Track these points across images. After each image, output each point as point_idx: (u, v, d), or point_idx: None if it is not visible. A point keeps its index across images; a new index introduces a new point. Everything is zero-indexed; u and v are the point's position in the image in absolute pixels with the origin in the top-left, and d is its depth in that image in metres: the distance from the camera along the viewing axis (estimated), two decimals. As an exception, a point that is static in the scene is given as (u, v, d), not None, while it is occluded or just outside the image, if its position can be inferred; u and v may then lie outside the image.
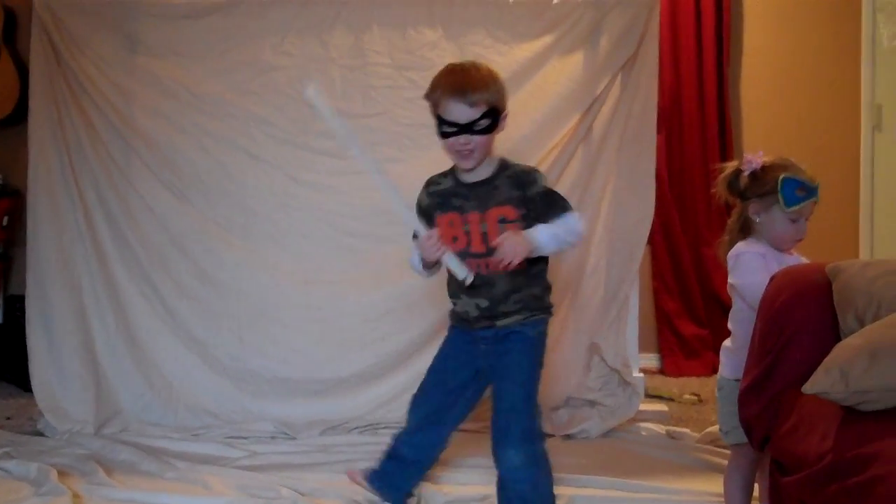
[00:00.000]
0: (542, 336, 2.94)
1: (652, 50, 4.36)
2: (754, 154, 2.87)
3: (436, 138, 2.88)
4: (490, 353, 2.92)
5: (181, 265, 4.25)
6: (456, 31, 4.30)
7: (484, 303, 2.89)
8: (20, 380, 4.60)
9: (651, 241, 5.04)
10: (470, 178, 2.89)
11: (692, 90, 5.50)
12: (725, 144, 5.49)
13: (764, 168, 2.84)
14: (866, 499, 1.91)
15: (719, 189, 2.94)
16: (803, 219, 2.82)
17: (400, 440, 3.09)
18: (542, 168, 4.22)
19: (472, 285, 2.84)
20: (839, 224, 5.17)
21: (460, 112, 2.77)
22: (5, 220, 4.99)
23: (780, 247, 2.84)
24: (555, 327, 4.32)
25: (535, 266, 2.88)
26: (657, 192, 4.41)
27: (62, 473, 3.39)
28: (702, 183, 5.33)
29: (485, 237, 2.83)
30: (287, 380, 4.20)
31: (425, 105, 2.88)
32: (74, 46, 4.21)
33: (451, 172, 2.96)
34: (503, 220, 2.81)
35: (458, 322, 3.02)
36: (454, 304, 3.00)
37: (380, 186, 2.89)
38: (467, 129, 2.77)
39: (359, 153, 2.91)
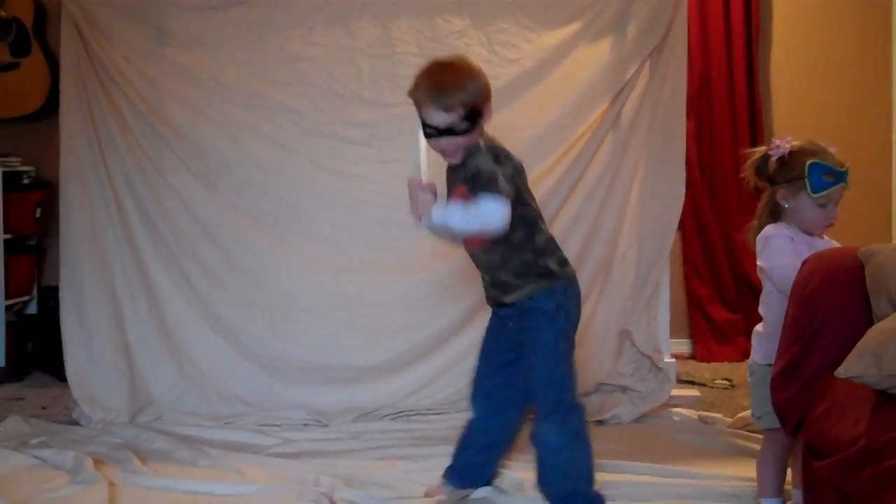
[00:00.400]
0: (563, 307, 2.92)
1: (681, 36, 4.34)
2: (783, 139, 2.86)
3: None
4: (516, 331, 2.96)
5: (212, 254, 4.27)
6: (483, 19, 4.30)
7: (486, 276, 2.98)
8: (55, 369, 4.64)
9: (682, 226, 5.03)
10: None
11: (721, 76, 5.48)
12: (755, 130, 5.46)
13: (792, 153, 2.82)
14: (900, 482, 1.91)
15: (748, 174, 2.94)
16: (832, 204, 2.80)
17: (469, 430, 3.12)
18: (572, 155, 4.25)
19: (471, 259, 2.98)
20: (871, 208, 5.13)
21: (438, 118, 2.78)
22: (38, 212, 5.03)
23: (811, 231, 2.83)
24: (585, 313, 4.32)
25: (512, 235, 2.84)
26: (687, 178, 4.40)
27: (97, 462, 3.41)
28: (732, 168, 5.30)
29: None
30: (319, 367, 4.22)
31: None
32: (103, 38, 4.23)
33: None
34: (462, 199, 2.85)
35: (489, 303, 3.07)
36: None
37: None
38: (446, 132, 2.78)
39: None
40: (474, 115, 2.79)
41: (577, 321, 3.00)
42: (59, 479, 3.27)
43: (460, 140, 2.79)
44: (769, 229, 2.85)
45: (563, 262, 2.97)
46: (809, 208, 2.80)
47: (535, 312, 2.90)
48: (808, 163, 2.76)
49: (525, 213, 2.87)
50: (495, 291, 2.97)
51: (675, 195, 4.34)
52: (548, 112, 4.28)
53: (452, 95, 2.76)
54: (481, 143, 2.83)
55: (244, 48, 4.30)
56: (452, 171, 2.92)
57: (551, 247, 2.95)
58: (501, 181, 2.73)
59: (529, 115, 4.27)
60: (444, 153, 2.85)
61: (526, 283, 2.90)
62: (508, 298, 2.94)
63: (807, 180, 2.76)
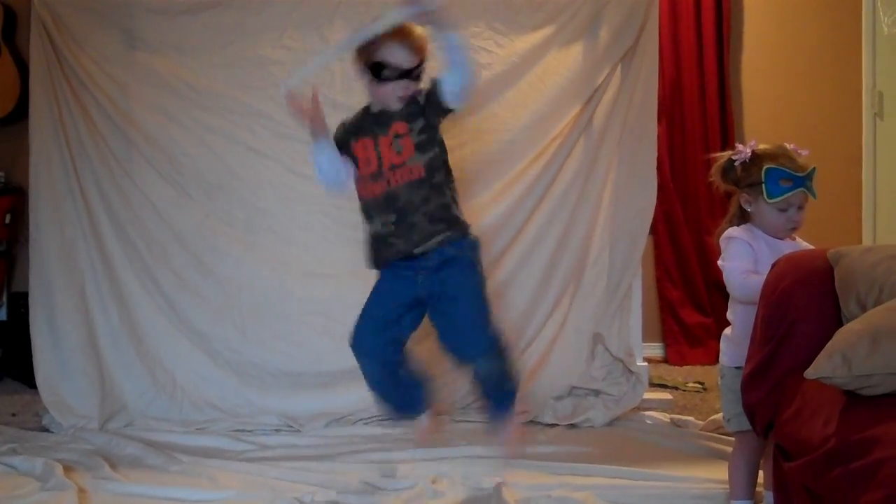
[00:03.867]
0: (479, 263, 3.13)
1: (652, 40, 4.37)
2: (746, 144, 2.89)
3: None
4: (432, 282, 3.06)
5: (183, 259, 4.25)
6: (455, 23, 4.28)
7: (391, 216, 3.04)
8: (25, 376, 4.60)
9: (653, 230, 5.05)
10: (375, 108, 3.09)
11: (693, 80, 5.50)
12: (727, 133, 5.48)
13: (753, 157, 2.85)
14: (869, 482, 1.91)
15: (714, 178, 2.97)
16: (794, 208, 2.82)
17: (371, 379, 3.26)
18: (544, 159, 4.27)
19: (380, 204, 3.06)
20: (842, 211, 5.17)
21: (404, 56, 2.94)
22: (8, 218, 4.99)
23: (774, 235, 2.85)
24: (557, 317, 4.34)
25: (436, 175, 3.03)
26: (659, 182, 4.43)
27: (68, 468, 3.40)
28: (703, 172, 5.28)
29: (380, 157, 3.05)
30: (291, 373, 4.21)
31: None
32: (74, 43, 4.21)
33: (363, 109, 3.15)
34: (396, 136, 3.00)
35: (383, 262, 3.15)
36: (368, 226, 3.14)
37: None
38: (407, 74, 2.95)
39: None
40: (422, 67, 3.00)
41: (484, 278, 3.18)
42: (28, 486, 3.25)
43: (413, 86, 2.98)
44: (730, 231, 2.89)
45: (462, 214, 3.13)
46: (769, 213, 2.82)
47: (456, 262, 3.05)
48: (765, 168, 2.78)
49: (446, 159, 3.08)
50: (400, 240, 3.05)
51: (647, 199, 4.36)
52: (520, 116, 4.28)
53: (420, 38, 2.94)
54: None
55: (216, 52, 4.29)
56: (383, 114, 3.06)
57: (458, 197, 3.11)
58: None
59: (501, 120, 4.28)
60: (394, 98, 2.99)
61: (437, 230, 3.02)
62: (418, 248, 3.02)
63: (763, 186, 2.78)
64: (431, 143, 3.04)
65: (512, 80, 4.30)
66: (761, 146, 2.87)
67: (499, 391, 3.18)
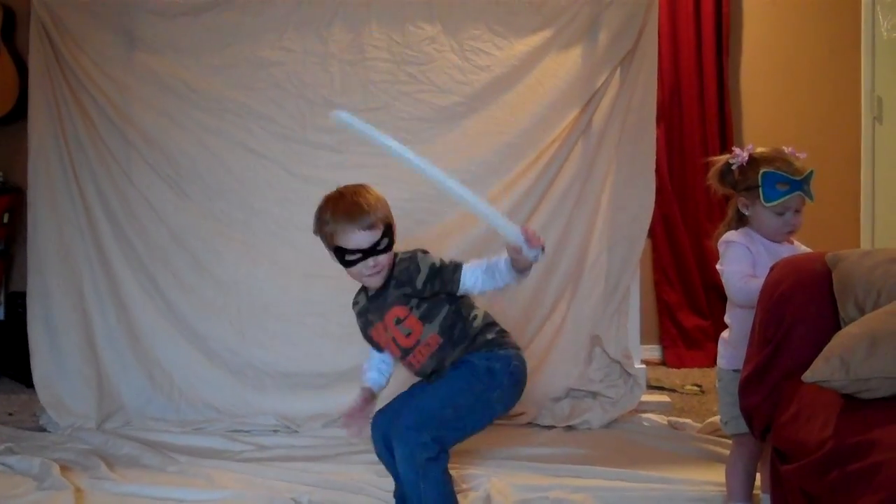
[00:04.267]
0: (493, 372, 2.83)
1: (651, 43, 4.37)
2: (744, 147, 2.89)
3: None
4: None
5: (181, 260, 4.25)
6: (454, 25, 4.30)
7: (431, 373, 2.91)
8: (22, 376, 4.60)
9: (652, 233, 5.06)
10: (371, 290, 2.90)
11: (692, 83, 5.51)
12: (725, 137, 5.49)
13: (750, 161, 2.85)
14: (867, 485, 1.91)
15: (712, 182, 2.97)
16: (791, 211, 2.81)
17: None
18: (542, 161, 4.26)
19: (418, 373, 2.93)
20: (840, 214, 5.17)
21: (361, 238, 2.75)
22: (6, 217, 4.99)
23: (771, 238, 2.85)
24: (555, 319, 4.34)
25: (456, 327, 2.84)
26: (657, 185, 4.43)
27: (65, 468, 3.40)
28: (702, 175, 5.21)
29: (395, 341, 2.87)
30: (288, 373, 4.21)
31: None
32: (73, 44, 4.21)
33: (363, 289, 2.97)
34: (398, 321, 2.83)
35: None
36: None
37: (464, 199, 2.63)
38: (371, 252, 2.76)
39: (424, 165, 2.64)
40: (389, 232, 2.80)
41: (504, 398, 2.88)
42: (25, 486, 3.25)
43: (382, 259, 2.78)
44: (729, 235, 2.88)
45: (502, 334, 2.92)
46: (766, 216, 2.82)
47: (464, 363, 2.84)
48: (762, 172, 2.78)
49: (457, 298, 2.85)
50: (436, 371, 2.90)
51: (646, 202, 4.36)
52: (519, 119, 4.29)
53: (371, 213, 2.75)
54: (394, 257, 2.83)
55: (215, 53, 4.29)
56: (376, 298, 2.88)
57: (485, 323, 2.91)
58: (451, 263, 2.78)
59: (500, 122, 4.28)
60: (367, 277, 2.82)
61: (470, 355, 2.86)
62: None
63: (760, 190, 2.78)
64: (437, 304, 2.83)
65: (511, 82, 4.30)
66: (759, 149, 2.87)
67: None
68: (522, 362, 2.91)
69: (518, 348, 2.93)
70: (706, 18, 5.45)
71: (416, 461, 2.71)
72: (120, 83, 4.25)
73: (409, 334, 2.84)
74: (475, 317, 2.89)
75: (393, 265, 2.83)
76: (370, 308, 2.92)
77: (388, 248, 2.80)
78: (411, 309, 2.81)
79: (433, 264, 2.78)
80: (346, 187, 2.86)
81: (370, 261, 2.77)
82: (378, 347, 2.99)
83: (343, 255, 2.79)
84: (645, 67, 4.34)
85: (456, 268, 2.77)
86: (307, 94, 4.27)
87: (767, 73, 5.54)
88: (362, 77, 4.27)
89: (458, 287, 2.76)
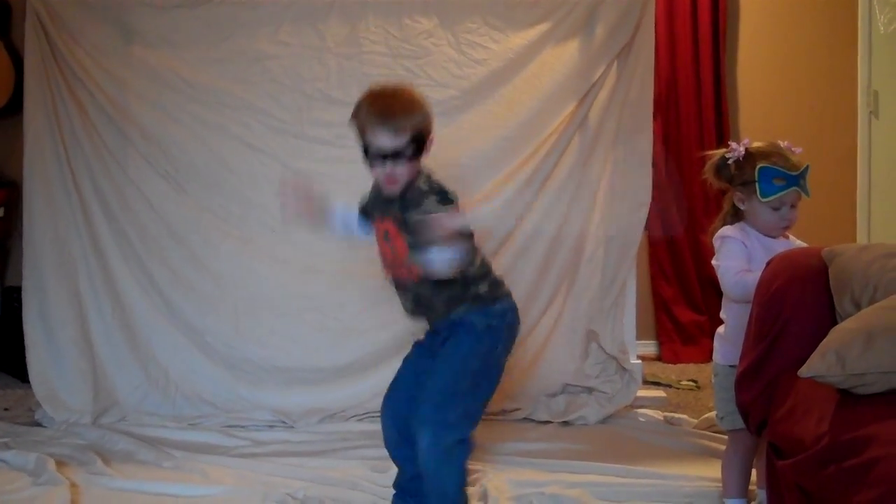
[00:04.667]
0: (493, 328, 2.84)
1: (648, 37, 4.36)
2: (740, 142, 2.88)
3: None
4: (443, 341, 2.87)
5: (177, 254, 4.24)
6: (451, 19, 4.29)
7: (409, 299, 2.89)
8: (18, 371, 4.59)
9: (648, 228, 5.04)
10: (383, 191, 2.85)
11: (689, 77, 5.49)
12: (722, 131, 5.48)
13: (746, 156, 2.84)
14: (863, 481, 1.91)
15: (707, 176, 2.96)
16: (787, 206, 2.81)
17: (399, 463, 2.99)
18: (539, 155, 4.25)
19: (395, 284, 2.90)
20: (836, 209, 5.18)
21: (385, 140, 2.67)
22: (1, 212, 4.98)
23: (767, 233, 2.85)
24: (551, 314, 4.34)
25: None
26: (654, 180, 4.41)
27: (60, 463, 3.40)
28: (699, 170, 5.27)
29: (382, 253, 2.88)
30: (284, 368, 4.20)
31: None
32: (69, 37, 4.20)
33: (374, 186, 2.93)
34: (387, 236, 2.81)
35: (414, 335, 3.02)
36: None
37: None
38: (393, 156, 2.69)
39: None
40: (420, 141, 2.72)
41: (506, 349, 2.90)
42: (20, 481, 3.25)
43: (403, 168, 2.71)
44: (724, 230, 2.88)
45: (496, 284, 2.89)
46: (762, 211, 2.82)
47: (463, 325, 2.81)
48: (758, 167, 2.78)
49: None
50: (421, 311, 2.90)
51: (642, 196, 4.35)
52: (515, 112, 4.28)
53: (402, 117, 2.69)
54: (422, 180, 2.76)
55: (211, 47, 4.28)
56: (385, 203, 2.83)
57: (482, 272, 2.86)
58: (460, 241, 2.63)
59: (497, 116, 4.27)
60: (387, 181, 2.75)
61: (455, 309, 2.82)
62: (437, 324, 2.89)
63: (756, 185, 2.78)
64: None
65: (507, 76, 4.30)
66: (755, 144, 2.87)
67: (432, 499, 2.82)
68: (515, 309, 2.91)
69: (509, 293, 2.92)
70: (703, 12, 5.43)
71: (444, 445, 2.70)
72: (116, 77, 4.23)
73: (394, 251, 2.80)
74: (471, 261, 2.79)
75: (412, 183, 2.75)
76: (376, 205, 2.90)
77: (412, 158, 2.72)
78: (402, 234, 2.75)
79: (428, 216, 2.63)
80: (391, 84, 2.84)
81: (388, 166, 2.70)
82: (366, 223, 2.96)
83: (366, 151, 2.74)
84: (642, 61, 4.34)
85: (432, 239, 2.63)
86: (304, 88, 4.26)
87: (764, 67, 5.54)
88: (359, 71, 4.25)
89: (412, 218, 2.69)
